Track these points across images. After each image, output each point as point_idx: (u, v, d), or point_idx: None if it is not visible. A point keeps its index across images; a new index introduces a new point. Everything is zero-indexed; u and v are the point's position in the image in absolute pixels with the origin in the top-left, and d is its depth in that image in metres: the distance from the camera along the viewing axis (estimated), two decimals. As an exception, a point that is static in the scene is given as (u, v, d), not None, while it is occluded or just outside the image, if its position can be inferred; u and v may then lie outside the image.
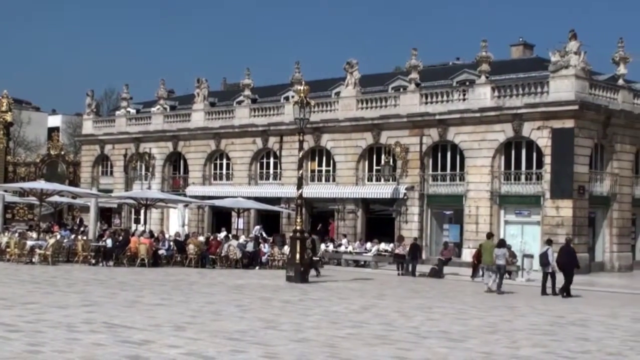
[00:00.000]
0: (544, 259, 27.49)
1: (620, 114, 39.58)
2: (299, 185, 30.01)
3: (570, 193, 37.08)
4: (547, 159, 37.87)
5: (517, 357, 13.64)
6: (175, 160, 56.86)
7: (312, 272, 30.43)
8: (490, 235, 30.82)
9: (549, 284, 27.28)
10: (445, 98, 42.02)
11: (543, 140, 38.00)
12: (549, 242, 29.15)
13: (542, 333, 16.80)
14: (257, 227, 46.26)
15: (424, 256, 39.83)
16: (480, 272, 31.36)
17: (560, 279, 26.96)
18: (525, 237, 38.12)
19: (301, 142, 30.21)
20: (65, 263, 34.00)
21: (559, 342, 15.46)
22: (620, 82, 41.07)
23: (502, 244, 28.94)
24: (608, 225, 40.09)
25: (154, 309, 18.48)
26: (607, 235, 39.89)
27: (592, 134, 38.38)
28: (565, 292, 26.57)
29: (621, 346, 15.26)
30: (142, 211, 44.28)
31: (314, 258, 32.61)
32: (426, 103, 42.61)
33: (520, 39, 56.08)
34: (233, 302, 20.63)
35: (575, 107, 36.92)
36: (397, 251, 36.81)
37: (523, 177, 39.48)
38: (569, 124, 37.29)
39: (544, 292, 27.14)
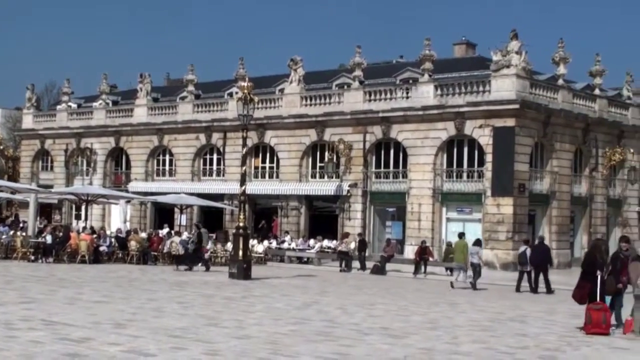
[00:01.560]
0: (522, 258, 28.26)
1: (559, 113, 40.27)
2: (242, 182, 29.90)
3: (510, 191, 37.63)
4: (489, 157, 38.36)
5: (457, 353, 13.77)
6: (118, 156, 56.22)
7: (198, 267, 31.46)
8: (462, 235, 31.29)
9: (527, 282, 28.04)
10: (388, 96, 42.29)
11: (485, 138, 38.48)
12: (527, 242, 30.06)
13: (482, 329, 17.00)
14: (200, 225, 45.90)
15: (367, 253, 40.00)
16: (449, 271, 32.71)
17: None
18: (467, 235, 38.45)
19: (245, 139, 30.09)
20: (3, 259, 33.33)
21: (499, 338, 15.66)
22: (560, 82, 41.77)
23: (477, 242, 29.71)
24: (547, 223, 40.76)
25: (94, 306, 18.22)
26: (546, 232, 40.51)
27: (532, 132, 38.98)
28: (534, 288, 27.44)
29: (558, 342, 15.51)
30: (83, 207, 43.66)
31: (205, 255, 33.10)
32: (370, 101, 42.82)
33: (463, 38, 56.73)
34: (175, 299, 20.44)
35: (516, 106, 37.47)
36: (340, 248, 36.95)
37: (465, 174, 39.96)
38: (510, 122, 37.84)
39: (517, 289, 27.85)
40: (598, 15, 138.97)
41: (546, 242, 38.89)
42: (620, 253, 17.65)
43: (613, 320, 17.24)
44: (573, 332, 16.96)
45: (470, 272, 28.54)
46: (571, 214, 42.60)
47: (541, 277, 27.84)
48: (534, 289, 27.55)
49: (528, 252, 28.15)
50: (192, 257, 32.19)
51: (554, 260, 40.18)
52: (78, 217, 52.36)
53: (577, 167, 43.27)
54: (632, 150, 45.42)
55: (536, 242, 30.76)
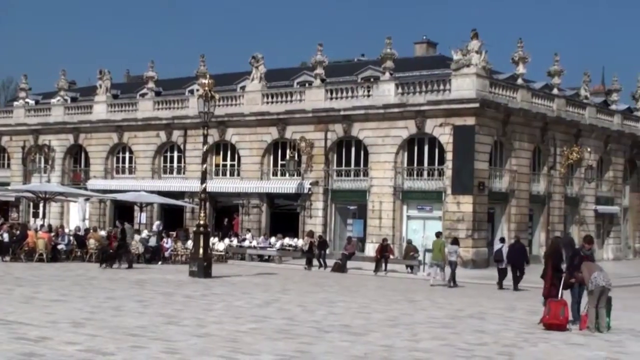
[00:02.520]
0: (498, 255, 28.91)
1: (519, 112, 40.65)
2: (203, 180, 29.82)
3: (470, 189, 37.90)
4: (449, 156, 38.60)
5: (417, 349, 13.86)
6: (76, 153, 55.62)
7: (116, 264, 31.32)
8: (439, 234, 31.71)
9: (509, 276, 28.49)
10: (350, 94, 42.36)
11: (445, 137, 38.71)
12: (502, 240, 30.85)
13: (441, 326, 17.12)
14: (157, 222, 45.71)
15: (327, 251, 40.05)
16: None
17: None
18: (427, 232, 38.74)
19: (205, 136, 30.02)
20: (-42, 258, 32.85)
21: (458, 335, 15.79)
22: (519, 81, 42.14)
23: (455, 241, 30.20)
24: (506, 221, 41.11)
25: (52, 305, 18.05)
26: (505, 230, 40.86)
27: (492, 131, 39.30)
28: (515, 286, 27.94)
29: (516, 338, 15.68)
30: (41, 205, 43.17)
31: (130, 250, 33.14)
32: (331, 99, 42.87)
33: (424, 37, 56.97)
34: (134, 298, 20.33)
35: (476, 105, 37.75)
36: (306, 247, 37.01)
37: (425, 173, 40.16)
38: (470, 121, 38.11)
39: (500, 287, 28.34)
40: (557, 15, 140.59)
41: (505, 240, 39.41)
42: (580, 251, 17.98)
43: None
44: (531, 328, 17.14)
45: (448, 270, 28.99)
46: (530, 212, 42.99)
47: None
48: (512, 287, 27.99)
49: (504, 249, 28.69)
50: (116, 254, 31.90)
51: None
52: (36, 215, 51.72)
53: (535, 166, 43.70)
54: (589, 149, 45.98)
55: (505, 241, 31.35)
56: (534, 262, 41.64)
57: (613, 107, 51.69)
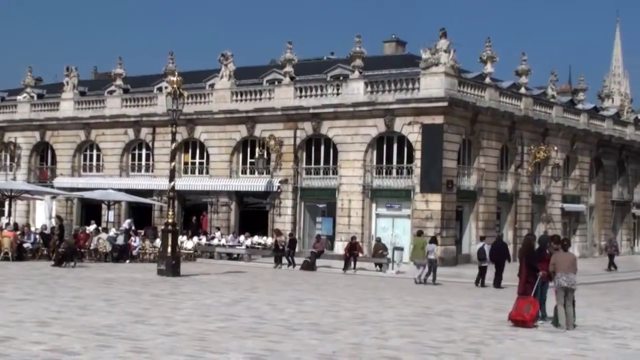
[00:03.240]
0: (480, 254, 29.32)
1: (487, 111, 40.92)
2: (172, 178, 29.66)
3: (439, 187, 38.08)
4: (418, 154, 38.76)
5: (386, 347, 13.90)
6: (43, 151, 55.11)
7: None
8: (420, 233, 32.00)
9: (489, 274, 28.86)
10: (319, 92, 42.39)
11: (414, 135, 38.87)
12: (483, 239, 31.33)
13: (410, 324, 17.19)
14: (128, 220, 45.42)
15: (297, 249, 40.05)
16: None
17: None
18: (396, 230, 38.95)
19: (174, 134, 29.86)
20: None
21: (426, 333, 15.86)
22: (487, 80, 42.41)
23: (433, 240, 30.62)
24: (474, 219, 41.37)
25: (18, 304, 17.85)
26: (473, 228, 41.14)
27: (460, 130, 39.52)
28: (497, 283, 28.21)
29: (484, 335, 15.79)
30: (7, 203, 42.68)
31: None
32: (300, 97, 42.87)
33: (393, 36, 57.17)
34: (101, 297, 20.17)
35: (445, 103, 37.94)
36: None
37: (394, 171, 40.30)
38: (438, 120, 38.29)
39: (482, 284, 28.71)
40: (525, 15, 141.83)
41: (472, 238, 39.82)
42: (548, 249, 18.19)
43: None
44: (498, 325, 17.27)
45: (426, 269, 29.27)
46: (497, 210, 43.32)
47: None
48: (494, 284, 28.31)
49: (486, 248, 29.04)
50: (65, 253, 31.51)
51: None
52: (1, 214, 51.07)
53: (503, 164, 44.02)
54: (556, 148, 46.40)
55: (486, 239, 31.77)
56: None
57: (579, 106, 52.24)
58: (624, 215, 56.42)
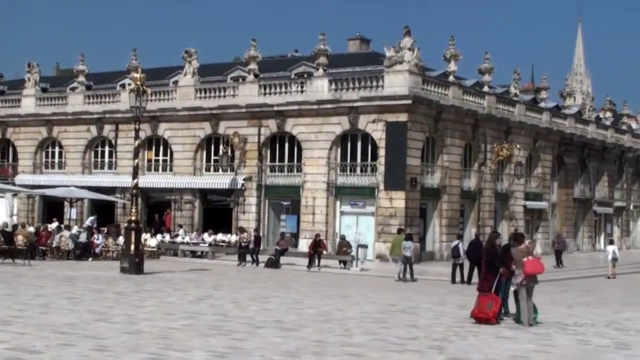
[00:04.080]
0: (455, 251, 29.79)
1: (450, 109, 41.16)
2: (135, 175, 29.51)
3: (403, 185, 38.24)
4: (382, 152, 38.88)
5: (349, 344, 13.93)
6: (4, 148, 54.40)
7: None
8: (400, 231, 32.46)
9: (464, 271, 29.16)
10: (283, 90, 42.36)
11: (378, 133, 38.98)
12: (459, 237, 31.99)
13: (373, 321, 17.24)
14: (91, 217, 45.07)
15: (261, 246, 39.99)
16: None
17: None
18: (360, 228, 38.99)
19: (137, 131, 29.70)
20: None
21: (389, 330, 15.92)
22: (451, 78, 42.64)
23: (409, 237, 30.97)
24: (438, 216, 41.60)
25: (-22, 302, 17.63)
26: (437, 225, 41.37)
27: (424, 128, 39.71)
28: (468, 280, 28.44)
29: (447, 332, 15.89)
30: (-33, 200, 42.13)
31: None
32: (265, 94, 42.79)
33: (357, 34, 57.21)
34: (63, 295, 20.00)
35: (409, 101, 38.08)
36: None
37: (358, 169, 40.39)
38: (402, 117, 38.44)
39: (453, 281, 28.97)
40: (488, 14, 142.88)
41: (436, 235, 40.13)
42: (511, 247, 18.37)
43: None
44: (461, 322, 17.39)
45: (401, 266, 29.68)
46: (461, 208, 43.58)
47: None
48: (467, 281, 28.56)
49: (460, 246, 29.36)
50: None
51: (444, 253, 41.21)
52: (-39, 211, 50.43)
53: (466, 162, 44.29)
54: (518, 146, 46.82)
55: (462, 237, 32.31)
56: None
57: (542, 104, 52.74)
58: (586, 213, 57.10)
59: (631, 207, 64.13)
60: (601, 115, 63.21)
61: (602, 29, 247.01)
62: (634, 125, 68.20)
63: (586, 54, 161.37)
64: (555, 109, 54.78)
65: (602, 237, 60.26)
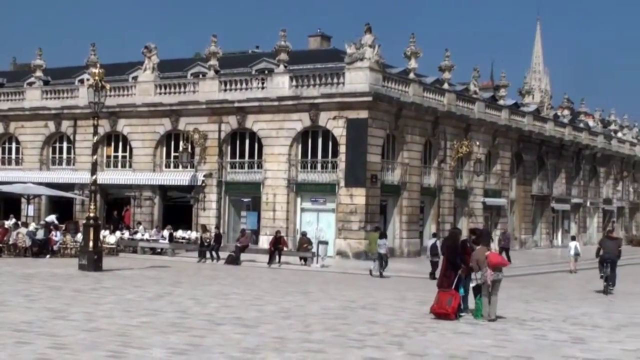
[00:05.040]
0: (433, 249, 29.95)
1: (410, 106, 41.34)
2: (94, 171, 29.28)
3: (363, 181, 38.35)
4: (342, 148, 38.95)
5: (309, 341, 13.96)
6: (-40, 144, 53.55)
7: None
8: (377, 229, 32.98)
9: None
10: (244, 86, 42.24)
11: (338, 129, 39.04)
12: (435, 236, 32.55)
13: (334, 317, 17.29)
14: (52, 215, 44.57)
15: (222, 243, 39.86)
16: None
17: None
18: (321, 224, 39.03)
19: (96, 127, 29.45)
20: None
21: (350, 326, 15.97)
22: (411, 75, 42.84)
23: (383, 235, 31.43)
24: (398, 213, 41.77)
25: None
26: (397, 222, 41.55)
27: (384, 124, 39.85)
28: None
29: (406, 328, 15.98)
30: None
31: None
32: (225, 90, 42.64)
33: (318, 31, 57.27)
34: (20, 292, 19.77)
35: (369, 98, 38.20)
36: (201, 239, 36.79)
37: (319, 165, 40.42)
38: (363, 114, 38.54)
39: (432, 277, 28.65)
40: (448, 12, 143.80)
41: (396, 232, 40.31)
42: (467, 242, 18.55)
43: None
44: (421, 318, 17.51)
45: (377, 263, 30.06)
46: (421, 204, 43.81)
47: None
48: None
49: (438, 243, 29.73)
50: None
51: (404, 250, 41.44)
52: None
53: (426, 159, 44.53)
54: (478, 143, 47.18)
55: (437, 236, 32.71)
56: (424, 253, 42.62)
57: (501, 102, 53.23)
58: (544, 209, 57.76)
59: (588, 203, 65.04)
60: (559, 113, 64.02)
61: (561, 27, 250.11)
62: (591, 123, 69.18)
63: (545, 52, 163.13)
64: (514, 106, 55.31)
65: (559, 234, 61.08)
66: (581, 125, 65.79)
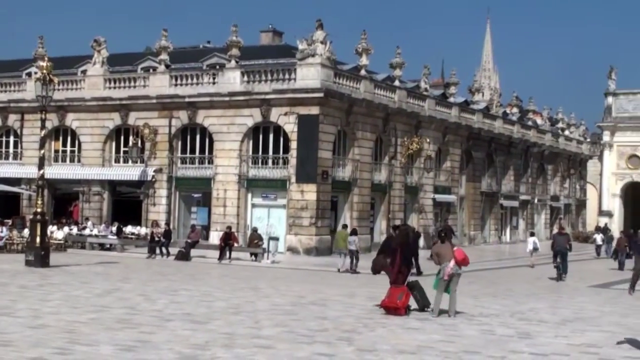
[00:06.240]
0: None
1: (362, 102, 41.49)
2: (41, 166, 28.93)
3: (314, 178, 38.40)
4: (294, 144, 38.95)
5: (259, 337, 13.95)
6: None
7: None
8: (345, 226, 34.12)
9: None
10: (195, 81, 41.99)
11: (290, 125, 39.03)
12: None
13: (284, 313, 17.30)
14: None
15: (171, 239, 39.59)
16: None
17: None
18: (272, 220, 39.04)
19: (43, 121, 29.07)
20: None
21: (300, 322, 16.00)
22: (363, 72, 42.99)
23: (354, 232, 32.10)
24: (349, 209, 41.89)
25: None
26: (348, 218, 41.61)
27: (335, 121, 39.93)
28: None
29: (356, 324, 16.06)
30: None
31: None
32: (176, 85, 42.35)
33: (270, 26, 57.15)
34: (-36, 289, 19.42)
35: (321, 94, 38.23)
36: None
37: (270, 161, 40.36)
38: (314, 110, 38.58)
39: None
40: (400, 10, 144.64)
41: (348, 227, 40.55)
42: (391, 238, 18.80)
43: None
44: (370, 314, 17.60)
45: (348, 259, 30.66)
46: (371, 201, 44.01)
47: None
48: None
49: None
50: None
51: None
52: None
53: (377, 155, 44.72)
54: (428, 140, 47.52)
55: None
56: (375, 249, 42.84)
57: (451, 99, 53.67)
58: (493, 206, 58.42)
59: (536, 200, 65.97)
60: (508, 111, 64.77)
61: (510, 27, 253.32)
62: (539, 121, 70.15)
63: (494, 51, 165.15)
64: (464, 104, 55.80)
65: (508, 230, 61.83)
66: (529, 123, 66.66)
